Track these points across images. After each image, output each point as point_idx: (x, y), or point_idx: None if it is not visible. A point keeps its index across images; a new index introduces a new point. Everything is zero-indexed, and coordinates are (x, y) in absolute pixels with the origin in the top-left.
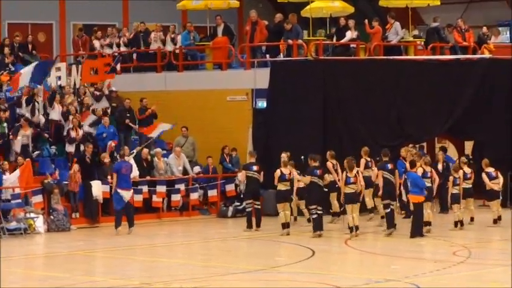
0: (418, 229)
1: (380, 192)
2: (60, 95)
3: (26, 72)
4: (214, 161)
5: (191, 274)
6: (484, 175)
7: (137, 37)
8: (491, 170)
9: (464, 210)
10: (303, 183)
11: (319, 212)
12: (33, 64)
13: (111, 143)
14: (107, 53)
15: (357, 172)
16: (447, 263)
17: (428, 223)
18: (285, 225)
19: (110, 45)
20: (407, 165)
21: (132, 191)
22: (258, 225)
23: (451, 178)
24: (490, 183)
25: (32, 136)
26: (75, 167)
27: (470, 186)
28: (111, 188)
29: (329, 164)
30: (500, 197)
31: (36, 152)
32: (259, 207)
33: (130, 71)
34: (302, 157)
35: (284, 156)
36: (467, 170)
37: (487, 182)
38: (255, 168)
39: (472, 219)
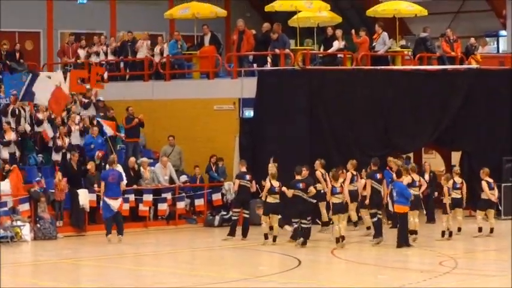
0: (404, 239)
1: (367, 201)
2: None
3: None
4: (201, 170)
5: (178, 283)
6: (484, 184)
7: (124, 46)
8: (490, 180)
9: (452, 220)
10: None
11: (305, 225)
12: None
13: (98, 153)
14: (93, 61)
15: (343, 182)
16: (433, 273)
17: (415, 232)
18: (267, 236)
19: (97, 54)
20: (394, 175)
21: (120, 199)
22: (245, 235)
23: (445, 188)
24: (489, 193)
25: (17, 142)
26: (59, 175)
27: (460, 196)
28: (97, 196)
29: (318, 173)
30: (495, 208)
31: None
32: (248, 216)
33: (118, 80)
34: None
35: (272, 167)
36: (458, 180)
37: (487, 191)
38: (247, 177)
39: (459, 229)
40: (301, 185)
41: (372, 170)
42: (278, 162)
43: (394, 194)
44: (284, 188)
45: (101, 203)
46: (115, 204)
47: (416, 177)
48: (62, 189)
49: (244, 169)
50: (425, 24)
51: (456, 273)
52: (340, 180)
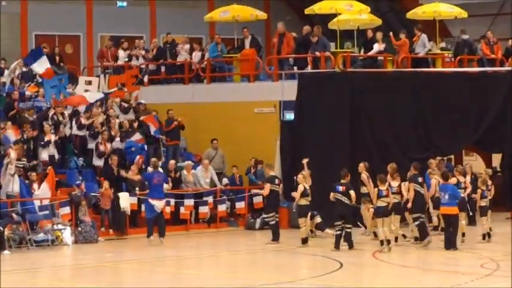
0: (454, 242)
1: (409, 205)
2: (87, 109)
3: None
4: (239, 171)
5: (219, 286)
6: None
7: (164, 49)
8: None
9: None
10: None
11: (346, 229)
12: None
13: (139, 159)
14: (134, 64)
15: (389, 185)
16: (475, 275)
17: (462, 234)
18: (305, 240)
19: (137, 57)
20: (439, 178)
21: (164, 201)
22: (278, 238)
23: (478, 191)
24: None
25: (57, 144)
26: (106, 183)
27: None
28: (139, 199)
29: (364, 176)
30: None
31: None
32: (278, 220)
33: (158, 83)
34: None
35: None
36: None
37: None
38: (277, 181)
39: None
40: (341, 188)
41: (413, 173)
42: (319, 164)
43: (447, 197)
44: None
45: (144, 203)
46: (159, 204)
47: (462, 178)
48: (107, 197)
49: (272, 173)
50: (465, 26)
51: (497, 276)
52: (386, 183)
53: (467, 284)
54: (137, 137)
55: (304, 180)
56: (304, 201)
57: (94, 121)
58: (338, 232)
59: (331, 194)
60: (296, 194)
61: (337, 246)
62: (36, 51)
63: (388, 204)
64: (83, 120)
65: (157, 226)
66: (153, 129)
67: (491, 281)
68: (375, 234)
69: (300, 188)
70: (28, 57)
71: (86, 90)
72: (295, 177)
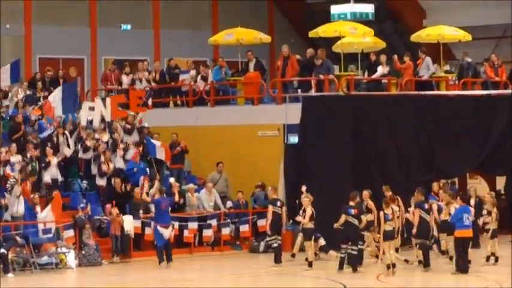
0: (466, 265)
1: (414, 230)
2: (90, 130)
3: (55, 101)
4: (244, 195)
5: None
6: None
7: (168, 73)
8: None
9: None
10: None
11: (352, 251)
12: (59, 91)
13: (144, 181)
14: (138, 88)
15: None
16: None
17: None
18: (311, 264)
19: (140, 80)
20: (454, 201)
21: (170, 227)
22: (280, 260)
23: (493, 214)
24: None
25: (59, 167)
26: (115, 210)
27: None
28: (142, 223)
29: (371, 204)
30: None
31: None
32: (280, 242)
33: (162, 106)
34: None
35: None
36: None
37: None
38: (279, 204)
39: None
40: (353, 211)
41: (419, 199)
42: (322, 186)
43: (468, 220)
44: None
45: (153, 231)
46: (166, 233)
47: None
48: (117, 223)
49: (275, 196)
50: (469, 49)
51: None
52: (390, 207)
53: None
54: (131, 152)
55: (310, 203)
56: (310, 225)
57: (99, 145)
58: (343, 255)
59: (343, 216)
60: (302, 218)
61: (341, 267)
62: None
63: (394, 228)
64: (88, 143)
65: (165, 252)
66: (160, 154)
67: None
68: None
69: (309, 211)
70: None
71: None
72: (297, 201)
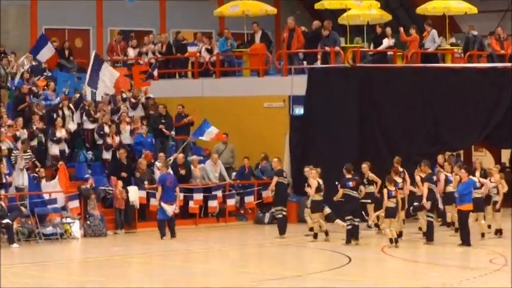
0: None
1: (424, 201)
2: (95, 102)
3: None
4: (251, 162)
5: (228, 280)
6: None
7: (174, 45)
8: None
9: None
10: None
11: (355, 223)
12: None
13: (148, 153)
14: (144, 60)
15: (402, 182)
16: (484, 270)
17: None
18: (316, 236)
19: (146, 53)
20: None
21: (174, 204)
22: (284, 231)
23: (500, 186)
24: None
25: (67, 139)
26: (119, 184)
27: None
28: (147, 193)
29: (372, 175)
30: None
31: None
32: (285, 213)
33: (167, 78)
34: (336, 182)
35: (314, 171)
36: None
37: None
38: (284, 174)
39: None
40: (351, 184)
41: (427, 173)
42: (327, 158)
43: (473, 193)
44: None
45: (158, 207)
46: (170, 209)
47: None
48: (122, 199)
49: (279, 167)
50: (475, 22)
51: (506, 271)
52: (396, 179)
53: (475, 279)
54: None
55: (317, 176)
56: (318, 197)
57: (104, 115)
58: (349, 227)
59: (340, 190)
60: (310, 190)
61: (348, 241)
62: (41, 40)
63: (397, 205)
64: (93, 113)
65: (168, 227)
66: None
67: (500, 276)
68: (377, 226)
69: (314, 183)
70: (34, 48)
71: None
72: (305, 173)
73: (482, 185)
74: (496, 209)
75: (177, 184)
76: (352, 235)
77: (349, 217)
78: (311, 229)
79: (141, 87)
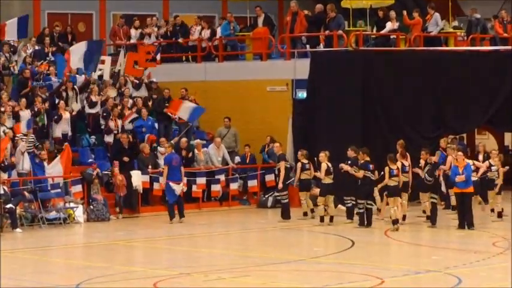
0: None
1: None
2: (99, 86)
3: (76, 54)
4: (252, 149)
5: (230, 264)
6: None
7: (175, 30)
8: None
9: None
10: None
11: (369, 206)
12: (83, 45)
13: (150, 136)
14: (146, 43)
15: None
16: (487, 253)
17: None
18: (323, 219)
19: (149, 35)
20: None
21: (182, 183)
22: (289, 216)
23: (501, 170)
24: None
25: (70, 122)
26: (116, 170)
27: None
28: (150, 178)
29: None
30: None
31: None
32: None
33: (170, 61)
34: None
35: (323, 154)
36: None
37: None
38: (287, 158)
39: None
40: (371, 167)
41: (433, 161)
42: (331, 142)
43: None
44: (346, 167)
45: (165, 187)
46: (178, 188)
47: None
48: (122, 185)
49: (281, 152)
50: (478, 5)
51: (509, 254)
52: (399, 163)
53: (478, 262)
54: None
55: (326, 159)
56: (328, 180)
57: (107, 98)
58: (362, 210)
59: (361, 171)
60: (320, 174)
61: (362, 223)
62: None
63: (399, 183)
64: (94, 98)
65: (178, 209)
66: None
67: (503, 259)
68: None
69: (324, 166)
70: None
71: (100, 69)
72: (315, 158)
73: (477, 168)
74: (497, 192)
75: (182, 163)
76: (366, 219)
77: (362, 201)
78: (305, 213)
79: (146, 68)
